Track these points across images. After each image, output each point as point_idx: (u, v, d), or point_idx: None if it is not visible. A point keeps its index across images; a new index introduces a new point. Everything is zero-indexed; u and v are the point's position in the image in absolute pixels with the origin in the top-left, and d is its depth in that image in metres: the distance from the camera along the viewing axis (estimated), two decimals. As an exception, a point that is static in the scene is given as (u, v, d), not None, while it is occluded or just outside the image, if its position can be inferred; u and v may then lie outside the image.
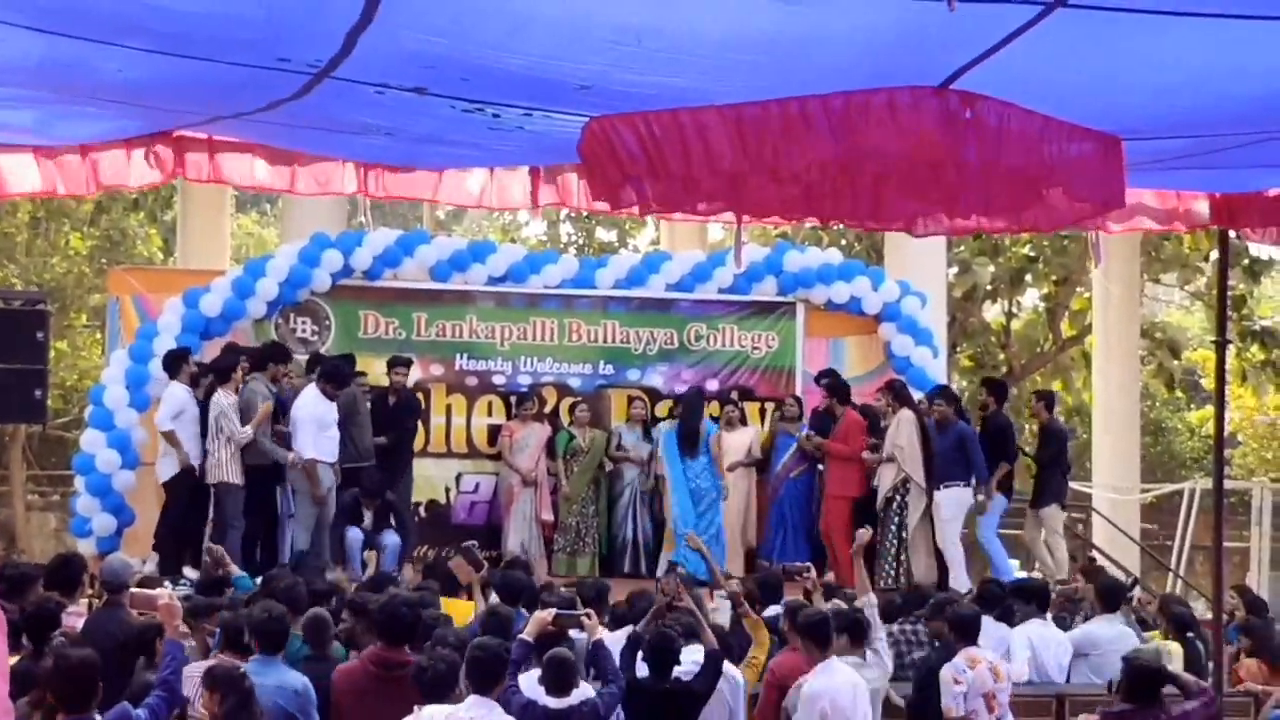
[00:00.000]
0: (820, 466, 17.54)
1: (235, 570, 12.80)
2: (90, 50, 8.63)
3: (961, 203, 9.60)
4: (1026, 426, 25.24)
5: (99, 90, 9.93)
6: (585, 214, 33.23)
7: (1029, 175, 8.91)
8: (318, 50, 8.59)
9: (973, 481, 16.43)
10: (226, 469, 15.02)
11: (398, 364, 16.85)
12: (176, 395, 15.37)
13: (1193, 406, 38.21)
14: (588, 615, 9.81)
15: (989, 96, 8.47)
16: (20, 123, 10.97)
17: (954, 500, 16.25)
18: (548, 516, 17.37)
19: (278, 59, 8.80)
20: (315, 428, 15.32)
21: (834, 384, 17.61)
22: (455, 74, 8.90)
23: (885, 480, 16.56)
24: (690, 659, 9.93)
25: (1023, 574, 17.01)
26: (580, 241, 36.62)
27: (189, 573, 14.68)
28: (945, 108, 8.46)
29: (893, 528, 16.43)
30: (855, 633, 10.54)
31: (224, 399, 15.06)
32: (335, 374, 15.64)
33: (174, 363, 15.62)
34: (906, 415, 16.53)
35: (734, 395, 18.32)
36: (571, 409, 18.01)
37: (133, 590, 9.45)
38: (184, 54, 8.73)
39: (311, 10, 7.89)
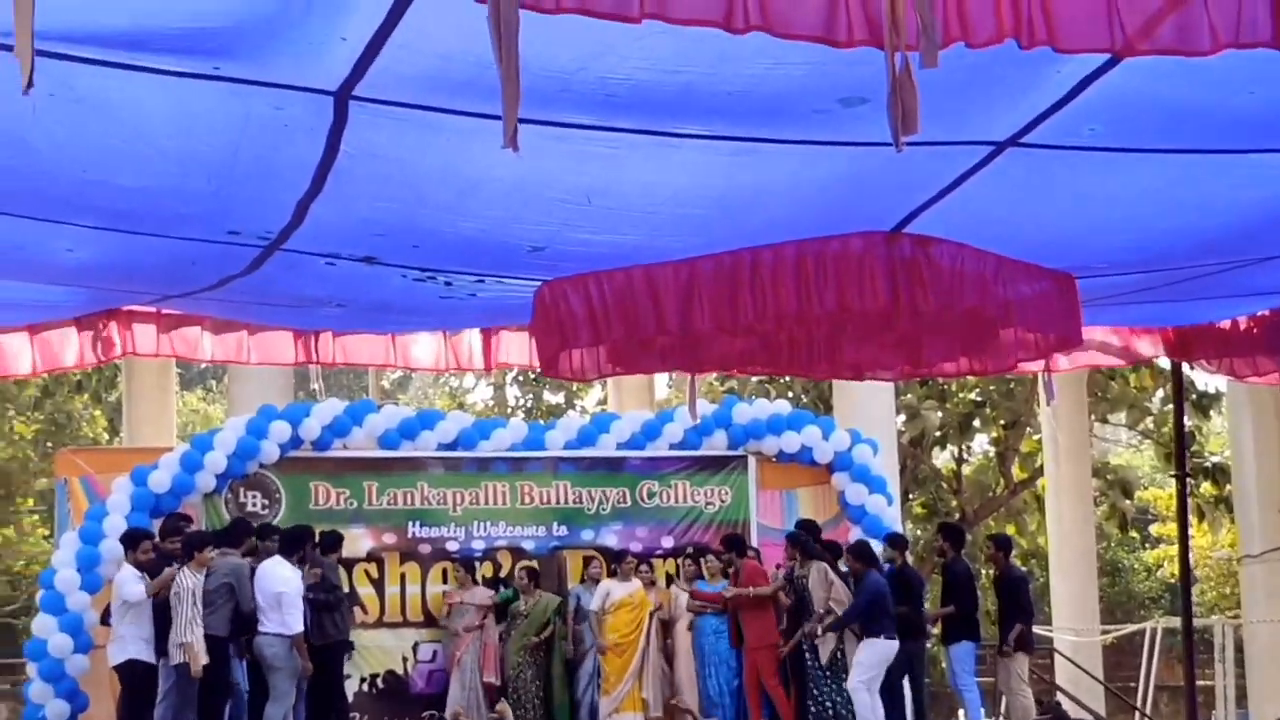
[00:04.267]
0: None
1: None
2: (41, 230, 8.58)
3: (916, 348, 9.59)
4: (983, 572, 25.15)
5: (49, 271, 9.86)
6: (533, 376, 33.22)
7: (985, 316, 8.94)
8: (268, 222, 8.56)
9: (893, 634, 16.04)
10: (199, 650, 14.60)
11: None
12: (125, 579, 15.05)
13: (1147, 546, 38.23)
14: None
15: (942, 239, 8.50)
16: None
17: (874, 652, 15.85)
18: (491, 679, 17.09)
19: (228, 232, 8.76)
20: (298, 600, 15.08)
21: (729, 537, 17.52)
22: (406, 240, 8.88)
23: (829, 646, 16.21)
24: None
25: (989, 720, 16.81)
26: (528, 405, 36.59)
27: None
28: (898, 253, 8.48)
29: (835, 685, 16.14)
30: None
31: (190, 579, 14.70)
32: (297, 539, 15.45)
33: (130, 542, 15.32)
34: (823, 568, 16.23)
35: (689, 551, 18.14)
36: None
37: None
38: (134, 230, 8.68)
39: (261, 182, 7.86)
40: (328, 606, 15.61)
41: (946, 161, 7.51)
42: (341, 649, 15.96)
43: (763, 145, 7.21)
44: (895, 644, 15.61)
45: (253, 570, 15.18)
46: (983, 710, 17.08)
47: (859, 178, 7.71)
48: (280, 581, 14.94)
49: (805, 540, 16.59)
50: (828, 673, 16.13)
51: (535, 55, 5.17)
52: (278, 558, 15.15)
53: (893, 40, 5.05)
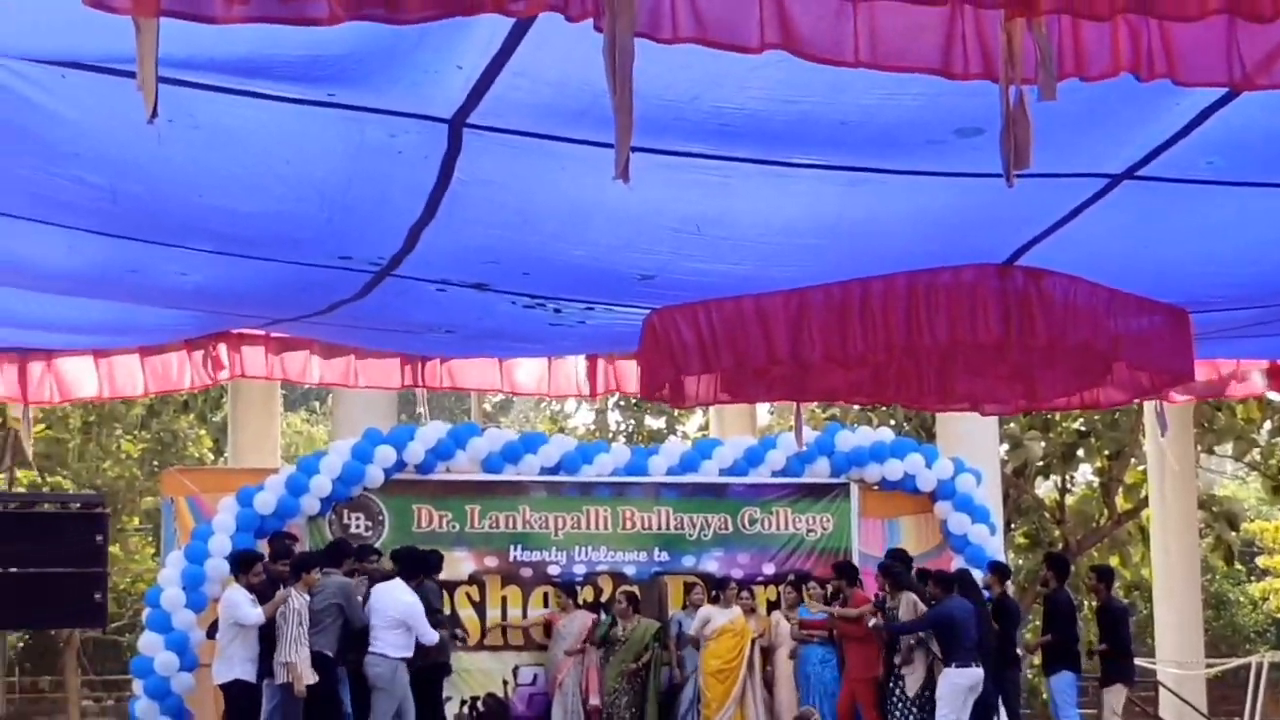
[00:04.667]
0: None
1: None
2: (155, 253, 8.65)
3: (1029, 382, 9.50)
4: (1085, 603, 24.90)
5: (162, 295, 9.94)
6: (635, 401, 33.20)
7: (1097, 350, 8.84)
8: (380, 248, 8.59)
9: (967, 663, 15.82)
10: (304, 669, 14.66)
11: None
12: (238, 602, 15.06)
13: (1252, 579, 37.74)
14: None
15: (1055, 272, 8.42)
16: (85, 326, 10.99)
17: (947, 684, 15.69)
18: (595, 701, 17.09)
19: (340, 257, 8.80)
20: (423, 616, 15.14)
21: (841, 564, 17.37)
22: (517, 267, 8.89)
23: (916, 677, 16.07)
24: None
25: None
26: (629, 429, 36.61)
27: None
28: (1010, 285, 8.42)
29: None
30: None
31: (297, 600, 14.76)
32: (420, 563, 15.53)
33: (241, 564, 15.32)
34: (913, 598, 16.10)
35: (791, 578, 18.05)
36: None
37: None
38: (247, 255, 8.73)
39: (374, 208, 7.90)
40: None
41: (1061, 194, 7.45)
42: (441, 671, 16.00)
43: (877, 175, 7.18)
44: (974, 672, 15.43)
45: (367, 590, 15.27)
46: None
47: (973, 209, 7.65)
48: (402, 605, 14.98)
49: (897, 570, 16.48)
50: (914, 706, 16.00)
51: (649, 83, 5.16)
52: (397, 580, 15.20)
53: (1008, 73, 5.01)
